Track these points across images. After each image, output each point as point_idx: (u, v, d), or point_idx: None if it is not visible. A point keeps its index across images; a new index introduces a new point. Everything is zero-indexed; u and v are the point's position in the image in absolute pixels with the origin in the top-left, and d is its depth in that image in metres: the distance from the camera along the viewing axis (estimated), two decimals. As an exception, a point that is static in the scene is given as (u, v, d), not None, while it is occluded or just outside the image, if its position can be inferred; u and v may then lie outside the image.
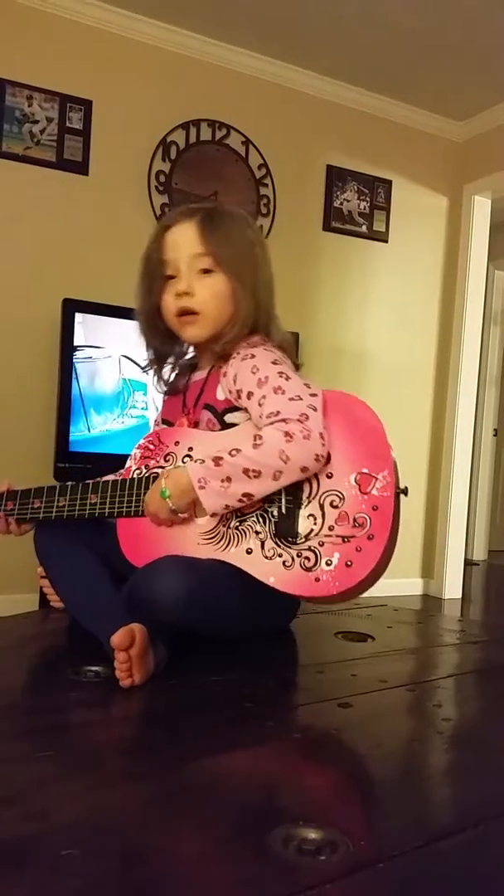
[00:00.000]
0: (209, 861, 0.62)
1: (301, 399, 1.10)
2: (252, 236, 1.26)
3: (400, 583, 3.59)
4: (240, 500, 1.10)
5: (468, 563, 4.30)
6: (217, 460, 1.09)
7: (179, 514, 1.14)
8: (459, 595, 3.79)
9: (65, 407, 2.60)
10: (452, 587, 3.76)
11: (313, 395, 1.12)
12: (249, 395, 1.15)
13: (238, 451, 1.08)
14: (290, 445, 1.06)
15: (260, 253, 1.26)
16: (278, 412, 1.09)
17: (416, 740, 0.94)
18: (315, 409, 1.10)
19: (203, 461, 1.10)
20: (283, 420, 1.08)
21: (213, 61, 3.14)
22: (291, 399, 1.10)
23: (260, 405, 1.13)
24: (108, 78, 2.94)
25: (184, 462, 1.19)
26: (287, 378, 1.14)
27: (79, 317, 2.62)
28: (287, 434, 1.07)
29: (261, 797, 0.75)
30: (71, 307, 2.61)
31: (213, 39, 3.09)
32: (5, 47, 2.76)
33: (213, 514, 1.13)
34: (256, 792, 0.76)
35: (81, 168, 2.89)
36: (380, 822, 0.72)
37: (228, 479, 1.08)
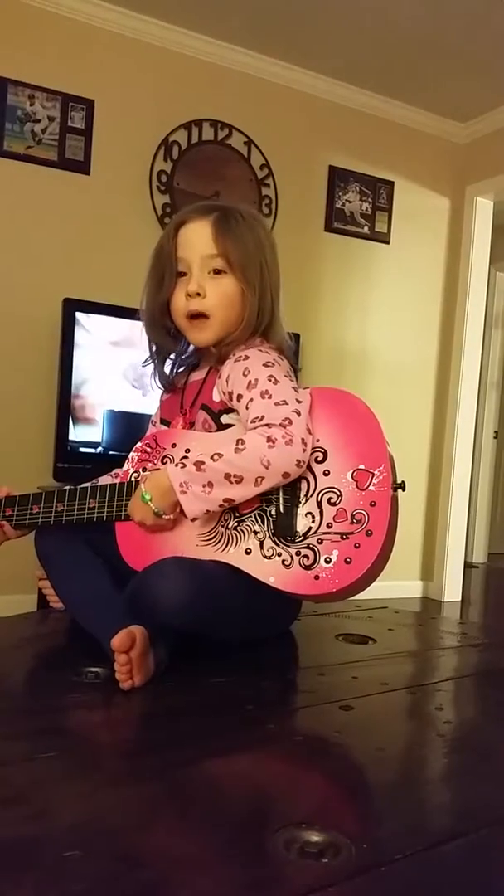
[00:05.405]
0: (211, 863, 0.62)
1: (287, 404, 1.10)
2: (264, 239, 1.26)
3: (399, 585, 3.58)
4: (221, 505, 1.09)
5: (468, 566, 4.30)
6: (199, 465, 1.08)
7: (164, 517, 1.13)
8: (459, 598, 3.78)
9: (65, 407, 2.60)
10: (452, 590, 3.76)
11: (299, 400, 1.12)
12: (239, 397, 1.16)
13: (220, 455, 1.08)
14: (272, 451, 1.06)
15: (270, 256, 1.26)
16: (262, 417, 1.09)
17: (418, 743, 0.93)
18: (299, 414, 1.09)
19: (184, 465, 1.09)
20: (267, 425, 1.08)
21: (215, 61, 3.14)
22: (277, 404, 1.10)
23: (247, 408, 1.13)
24: (110, 77, 2.94)
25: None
26: (275, 382, 1.13)
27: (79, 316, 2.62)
28: (269, 439, 1.06)
29: (262, 800, 0.75)
30: (71, 307, 2.61)
31: (216, 39, 3.09)
32: (7, 46, 2.76)
33: (194, 519, 1.12)
34: (258, 794, 0.76)
35: (83, 167, 2.89)
36: (382, 825, 0.72)
37: (210, 484, 1.07)
